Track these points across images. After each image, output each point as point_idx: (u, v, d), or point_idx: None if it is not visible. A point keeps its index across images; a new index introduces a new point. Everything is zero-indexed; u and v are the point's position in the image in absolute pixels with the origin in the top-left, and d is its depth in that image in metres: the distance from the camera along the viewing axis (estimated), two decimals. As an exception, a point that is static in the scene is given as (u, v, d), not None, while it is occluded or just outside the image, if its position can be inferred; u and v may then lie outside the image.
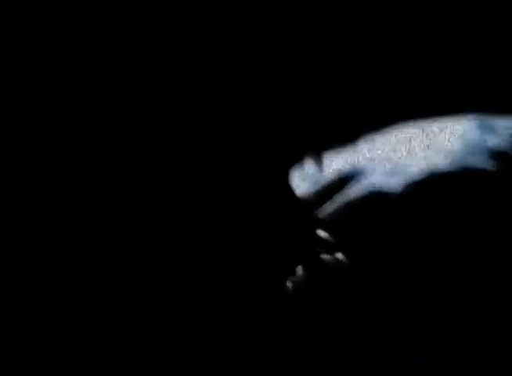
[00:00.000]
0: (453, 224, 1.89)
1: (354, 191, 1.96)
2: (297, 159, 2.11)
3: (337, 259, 2.00)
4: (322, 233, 2.02)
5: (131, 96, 2.41)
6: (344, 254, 1.97)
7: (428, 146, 1.91)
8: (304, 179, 2.00)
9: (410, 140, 1.95)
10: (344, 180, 1.94)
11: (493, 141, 1.91)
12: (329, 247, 1.97)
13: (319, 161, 2.02)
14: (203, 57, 2.32)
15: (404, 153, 1.92)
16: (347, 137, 2.08)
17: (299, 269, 2.05)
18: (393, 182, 1.90)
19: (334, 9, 2.27)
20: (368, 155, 1.96)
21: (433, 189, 1.88)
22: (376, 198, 1.90)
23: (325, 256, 2.00)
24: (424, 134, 1.96)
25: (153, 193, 2.37)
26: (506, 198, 1.86)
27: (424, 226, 1.90)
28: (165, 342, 2.23)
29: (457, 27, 2.25)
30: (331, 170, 1.99)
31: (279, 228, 2.19)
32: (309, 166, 2.04)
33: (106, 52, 2.41)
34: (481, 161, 1.89)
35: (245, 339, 2.16)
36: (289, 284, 2.08)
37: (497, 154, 1.88)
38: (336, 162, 1.99)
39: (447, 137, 1.92)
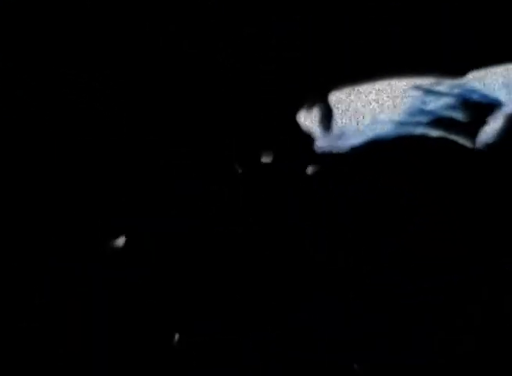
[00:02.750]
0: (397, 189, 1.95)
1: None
2: (297, 155, 2.11)
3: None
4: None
5: (129, 94, 2.40)
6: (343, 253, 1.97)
7: (375, 108, 1.97)
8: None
9: (360, 98, 2.02)
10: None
11: (434, 104, 1.96)
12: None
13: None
14: (197, 41, 2.32)
15: (352, 113, 1.98)
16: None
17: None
18: (341, 145, 1.96)
19: None
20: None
21: (378, 154, 1.93)
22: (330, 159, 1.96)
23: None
24: (374, 93, 2.02)
25: (153, 193, 2.37)
26: (445, 166, 1.90)
27: (371, 189, 1.95)
28: (165, 342, 2.23)
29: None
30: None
31: (280, 229, 2.19)
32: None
33: (104, 49, 2.41)
34: (421, 126, 1.94)
35: (245, 339, 2.15)
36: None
37: (436, 119, 1.94)
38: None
39: (392, 100, 1.97)
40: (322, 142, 2.02)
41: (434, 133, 1.90)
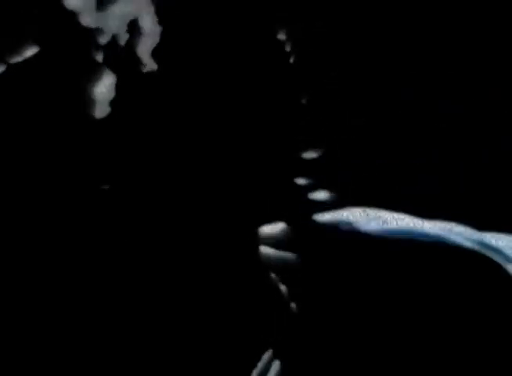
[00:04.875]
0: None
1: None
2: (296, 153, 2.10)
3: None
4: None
5: (133, 95, 2.42)
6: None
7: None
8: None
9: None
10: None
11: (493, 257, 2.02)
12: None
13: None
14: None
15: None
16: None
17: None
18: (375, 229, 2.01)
19: None
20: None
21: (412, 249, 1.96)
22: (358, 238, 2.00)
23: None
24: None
25: (154, 193, 2.38)
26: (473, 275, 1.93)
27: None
28: (164, 342, 2.22)
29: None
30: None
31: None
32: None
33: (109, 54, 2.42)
34: (455, 236, 1.99)
35: (244, 339, 2.15)
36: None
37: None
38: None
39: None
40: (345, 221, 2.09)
41: (469, 245, 1.96)
